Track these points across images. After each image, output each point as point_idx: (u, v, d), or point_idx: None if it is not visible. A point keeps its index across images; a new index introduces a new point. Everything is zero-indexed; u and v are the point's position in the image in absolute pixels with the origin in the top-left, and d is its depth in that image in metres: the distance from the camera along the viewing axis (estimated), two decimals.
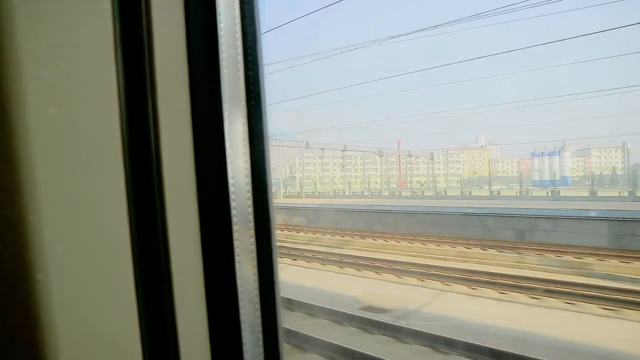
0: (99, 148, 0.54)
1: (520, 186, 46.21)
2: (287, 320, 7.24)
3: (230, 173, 0.65)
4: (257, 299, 0.67)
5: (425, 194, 47.17)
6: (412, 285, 10.01)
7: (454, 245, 14.08)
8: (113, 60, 0.55)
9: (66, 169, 0.51)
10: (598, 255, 11.50)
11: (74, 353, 0.52)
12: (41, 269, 0.49)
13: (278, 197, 40.26)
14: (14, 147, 0.48)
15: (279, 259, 0.72)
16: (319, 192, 53.55)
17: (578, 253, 11.85)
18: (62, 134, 0.51)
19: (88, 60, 0.53)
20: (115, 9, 0.56)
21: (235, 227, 0.66)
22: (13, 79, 0.48)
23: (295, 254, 13.48)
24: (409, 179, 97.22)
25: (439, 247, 14.08)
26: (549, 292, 8.57)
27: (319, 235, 18.21)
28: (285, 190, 51.85)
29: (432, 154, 64.17)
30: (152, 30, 0.59)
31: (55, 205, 0.50)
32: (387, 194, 53.72)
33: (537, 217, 14.78)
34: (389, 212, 19.77)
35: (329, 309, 7.65)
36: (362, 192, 55.33)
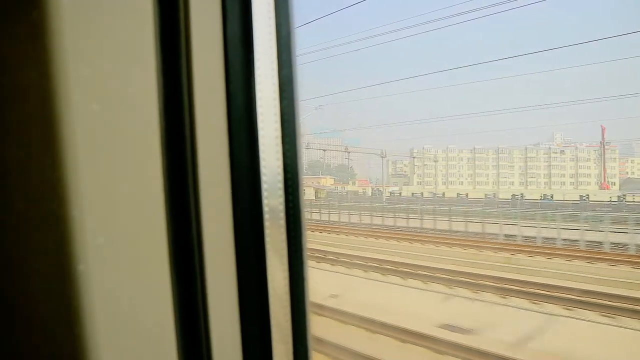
0: (138, 145, 0.58)
1: None
2: None
3: (263, 170, 0.68)
4: (287, 303, 0.69)
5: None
6: None
7: None
8: (153, 60, 0.59)
9: (107, 164, 0.56)
10: None
11: (111, 342, 0.56)
12: (82, 261, 0.53)
13: None
14: (59, 142, 0.52)
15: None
16: None
17: None
18: (104, 131, 0.55)
19: (129, 59, 0.57)
20: (156, 10, 0.60)
21: (267, 224, 0.68)
22: (59, 77, 0.52)
23: None
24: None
25: None
26: None
27: None
28: None
29: None
30: (190, 30, 0.62)
31: (96, 200, 0.55)
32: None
33: None
34: None
35: None
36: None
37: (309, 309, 0.71)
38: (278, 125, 0.70)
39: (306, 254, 0.71)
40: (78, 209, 0.53)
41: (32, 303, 0.56)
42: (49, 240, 0.54)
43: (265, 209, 0.68)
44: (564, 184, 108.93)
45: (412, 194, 62.37)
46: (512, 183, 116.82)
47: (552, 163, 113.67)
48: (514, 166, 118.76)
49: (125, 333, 0.57)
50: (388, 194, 60.54)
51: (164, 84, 0.60)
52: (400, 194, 65.23)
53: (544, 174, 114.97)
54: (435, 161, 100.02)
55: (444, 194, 64.42)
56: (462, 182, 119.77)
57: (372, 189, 72.65)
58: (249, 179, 0.68)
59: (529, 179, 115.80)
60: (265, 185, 0.68)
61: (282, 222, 0.69)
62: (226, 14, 0.66)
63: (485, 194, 57.95)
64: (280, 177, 0.70)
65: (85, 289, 0.53)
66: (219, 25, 0.65)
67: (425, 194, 60.97)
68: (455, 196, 59.00)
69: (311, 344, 0.71)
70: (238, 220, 0.67)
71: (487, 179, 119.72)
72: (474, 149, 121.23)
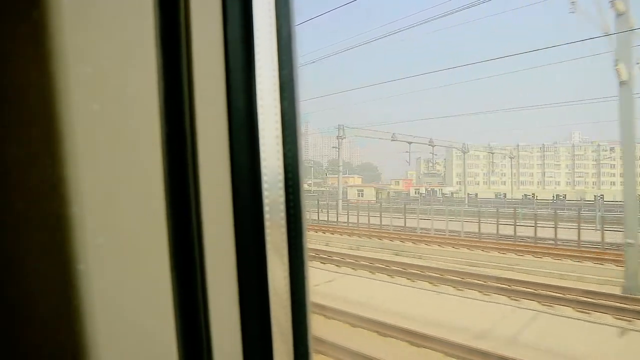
0: (138, 145, 0.59)
1: None
2: None
3: (263, 170, 0.68)
4: (287, 302, 0.70)
5: None
6: None
7: None
8: (153, 60, 0.60)
9: (107, 164, 0.56)
10: None
11: (111, 342, 0.56)
12: (82, 261, 0.54)
13: None
14: (59, 142, 0.53)
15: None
16: None
17: None
18: (104, 131, 0.56)
19: (129, 59, 0.58)
20: (156, 10, 0.60)
21: (267, 224, 0.68)
22: (59, 76, 0.52)
23: None
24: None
25: None
26: None
27: None
28: None
29: None
30: (191, 30, 0.63)
31: (96, 200, 0.55)
32: None
33: None
34: None
35: None
36: None
37: (310, 309, 0.70)
38: (279, 125, 0.69)
39: (307, 253, 0.71)
40: (78, 208, 0.53)
41: (32, 303, 0.56)
42: (49, 240, 0.54)
43: (266, 208, 0.68)
44: (613, 184, 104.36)
45: (496, 195, 58.30)
46: (558, 183, 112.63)
47: (602, 161, 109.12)
48: (560, 164, 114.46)
49: (125, 333, 0.57)
50: (451, 195, 56.86)
51: (164, 84, 0.61)
52: (476, 195, 61.66)
53: (592, 173, 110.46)
54: (511, 157, 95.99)
55: (533, 194, 60.17)
56: (504, 181, 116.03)
57: (427, 190, 69.54)
58: (249, 178, 0.68)
59: (577, 179, 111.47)
60: (265, 185, 0.68)
61: (283, 221, 0.69)
62: (227, 14, 0.66)
63: (595, 195, 54.28)
64: (280, 177, 0.69)
65: (85, 288, 0.53)
66: (219, 25, 0.66)
67: (510, 195, 56.21)
68: (553, 198, 55.16)
69: (311, 344, 0.71)
70: (238, 220, 0.67)
71: (532, 178, 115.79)
72: (518, 146, 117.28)
